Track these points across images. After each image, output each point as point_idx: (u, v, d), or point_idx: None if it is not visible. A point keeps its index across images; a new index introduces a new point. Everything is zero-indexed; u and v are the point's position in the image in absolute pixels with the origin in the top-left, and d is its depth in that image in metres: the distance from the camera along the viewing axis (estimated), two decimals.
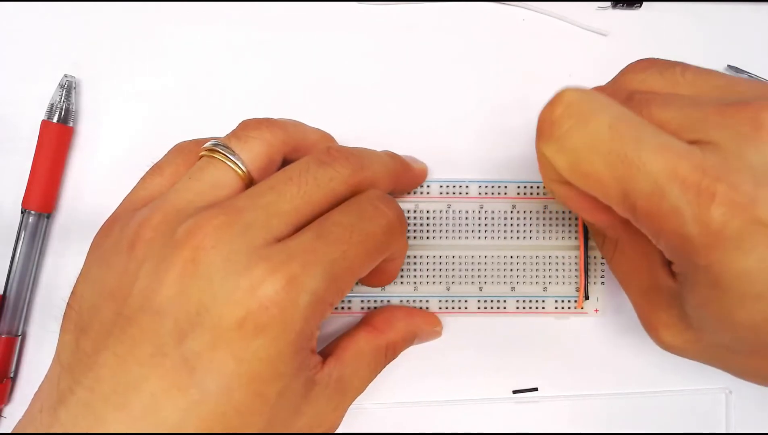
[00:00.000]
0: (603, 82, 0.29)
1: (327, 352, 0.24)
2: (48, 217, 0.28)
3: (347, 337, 0.25)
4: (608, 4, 0.29)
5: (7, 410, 0.28)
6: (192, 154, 0.23)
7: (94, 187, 0.29)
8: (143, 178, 0.24)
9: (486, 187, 0.28)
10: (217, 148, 0.22)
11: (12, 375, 0.28)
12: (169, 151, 0.24)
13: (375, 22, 0.29)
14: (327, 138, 0.27)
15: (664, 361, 0.29)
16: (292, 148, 0.24)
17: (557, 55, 0.29)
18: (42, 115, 0.28)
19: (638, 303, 0.23)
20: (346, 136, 0.28)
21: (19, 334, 0.28)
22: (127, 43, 0.29)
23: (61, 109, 0.28)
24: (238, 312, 0.19)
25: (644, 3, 0.29)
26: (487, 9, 0.29)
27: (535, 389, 0.29)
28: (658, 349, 0.29)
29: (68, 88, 0.28)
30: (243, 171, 0.22)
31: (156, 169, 0.24)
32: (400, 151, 0.28)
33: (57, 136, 0.28)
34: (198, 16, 0.29)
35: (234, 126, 0.29)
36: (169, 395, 0.18)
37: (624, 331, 0.29)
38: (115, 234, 0.21)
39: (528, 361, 0.29)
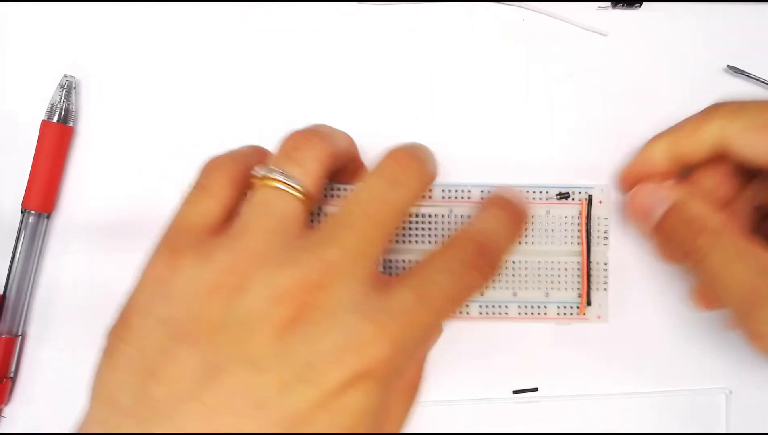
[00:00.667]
0: (603, 82, 0.29)
1: None
2: (48, 217, 0.28)
3: None
4: (608, 4, 0.29)
5: (7, 410, 0.28)
6: (235, 172, 0.23)
7: (94, 187, 0.29)
8: (190, 200, 0.22)
9: (488, 191, 0.28)
10: (274, 175, 0.21)
11: (12, 375, 0.28)
12: (207, 169, 0.23)
13: (375, 22, 0.29)
14: (352, 141, 0.26)
15: (665, 361, 0.29)
16: (336, 159, 0.23)
17: (557, 55, 0.29)
18: (42, 115, 0.28)
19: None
20: None
21: (19, 334, 0.28)
22: (127, 43, 0.29)
23: (61, 109, 0.28)
24: (346, 372, 0.19)
25: (644, 3, 0.29)
26: (487, 9, 0.29)
27: (535, 389, 0.29)
28: (658, 350, 0.29)
29: (68, 88, 0.28)
30: (305, 197, 0.22)
31: (202, 189, 0.23)
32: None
33: (57, 136, 0.28)
34: (198, 17, 0.29)
35: (233, 126, 0.29)
36: None
37: (626, 337, 0.29)
38: (187, 270, 0.20)
39: (528, 361, 0.29)
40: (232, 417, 0.18)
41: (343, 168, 0.25)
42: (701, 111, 0.25)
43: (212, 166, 0.23)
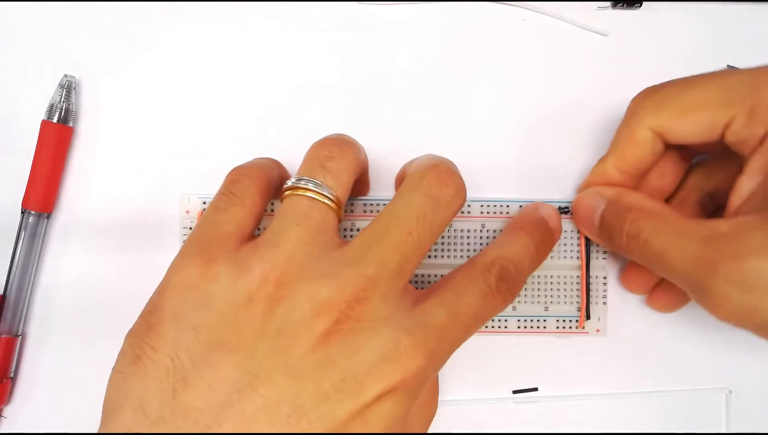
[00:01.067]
0: (603, 83, 0.29)
1: None
2: (48, 217, 0.28)
3: None
4: (608, 4, 0.29)
5: (7, 410, 0.28)
6: (262, 182, 0.23)
7: (94, 187, 0.29)
8: (221, 207, 0.22)
9: (488, 206, 0.28)
10: (309, 185, 0.22)
11: (12, 375, 0.28)
12: (236, 177, 0.23)
13: (375, 22, 0.29)
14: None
15: (664, 361, 0.29)
16: (361, 171, 0.24)
17: (557, 55, 0.29)
18: (42, 115, 0.28)
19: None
20: None
21: (19, 334, 0.28)
22: (127, 43, 0.29)
23: (61, 109, 0.28)
24: (384, 384, 0.19)
25: (644, 3, 0.29)
26: (487, 9, 0.29)
27: (535, 389, 0.29)
28: (658, 351, 0.29)
29: (68, 88, 0.28)
30: (338, 207, 0.22)
31: (233, 197, 0.22)
32: (397, 154, 0.28)
33: (57, 136, 0.28)
34: (198, 17, 0.29)
35: (233, 126, 0.29)
36: None
37: (626, 340, 0.29)
38: (223, 278, 0.20)
39: (528, 361, 0.29)
40: (269, 426, 0.18)
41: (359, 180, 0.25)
42: (628, 112, 0.25)
43: (241, 175, 0.23)
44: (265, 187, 0.23)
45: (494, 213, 0.28)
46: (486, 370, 0.29)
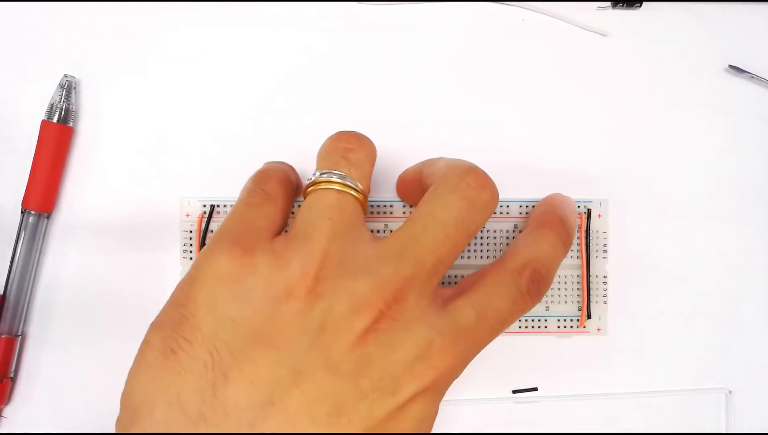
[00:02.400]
0: (603, 82, 0.29)
1: None
2: (48, 217, 0.28)
3: None
4: (608, 4, 0.29)
5: (7, 410, 0.28)
6: (289, 182, 0.24)
7: (94, 187, 0.29)
8: (253, 203, 0.22)
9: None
10: (334, 178, 0.22)
11: (12, 375, 0.28)
12: (266, 176, 0.24)
13: (375, 22, 0.29)
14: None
15: (664, 361, 0.29)
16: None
17: (557, 55, 0.29)
18: (42, 115, 0.28)
19: None
20: None
21: (19, 334, 0.28)
22: (127, 43, 0.29)
23: (61, 109, 0.28)
24: (418, 383, 0.19)
25: (644, 3, 0.29)
26: (487, 9, 0.29)
27: (535, 389, 0.29)
28: (658, 351, 0.29)
29: (68, 88, 0.28)
30: (364, 198, 0.22)
31: (265, 195, 0.23)
32: (396, 154, 0.28)
33: (57, 136, 0.28)
34: (198, 17, 0.29)
35: (233, 126, 0.29)
36: None
37: (626, 340, 0.29)
38: (262, 271, 0.20)
39: (528, 361, 0.29)
40: (311, 424, 0.18)
41: None
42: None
43: (268, 176, 0.23)
44: (291, 188, 0.24)
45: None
46: (486, 370, 0.29)
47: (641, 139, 0.29)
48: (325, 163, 0.23)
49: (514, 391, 0.29)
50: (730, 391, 0.29)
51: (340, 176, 0.22)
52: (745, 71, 0.29)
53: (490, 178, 0.22)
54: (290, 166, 0.26)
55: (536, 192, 0.28)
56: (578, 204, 0.28)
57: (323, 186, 0.22)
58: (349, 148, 0.23)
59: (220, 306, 0.19)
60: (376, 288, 0.20)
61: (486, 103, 0.29)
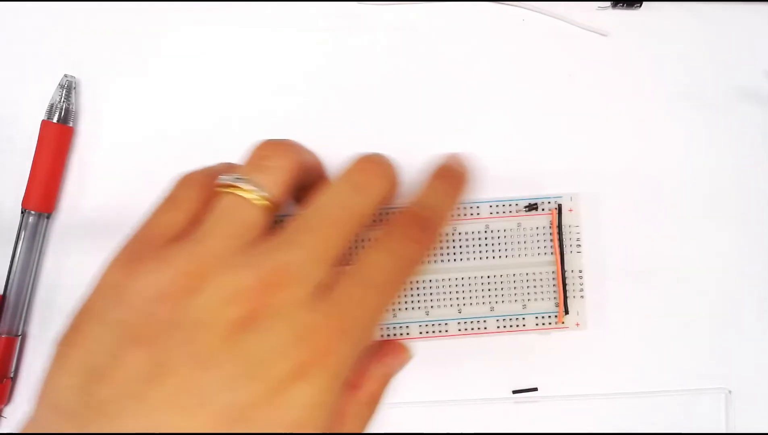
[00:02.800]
0: (603, 82, 0.29)
1: None
2: (48, 217, 0.28)
3: None
4: (608, 4, 0.29)
5: (7, 410, 0.28)
6: (205, 188, 0.23)
7: (94, 187, 0.29)
8: (158, 212, 0.23)
9: (458, 208, 0.28)
10: (240, 183, 0.22)
11: (12, 375, 0.28)
12: (179, 183, 0.23)
13: (375, 22, 0.29)
14: (319, 159, 0.26)
15: (664, 361, 0.29)
16: (302, 171, 0.23)
17: (557, 55, 0.29)
18: (42, 115, 0.28)
19: None
20: (341, 137, 0.29)
21: (19, 334, 0.28)
22: (127, 43, 0.29)
23: (61, 109, 0.28)
24: (290, 364, 0.19)
25: (644, 3, 0.29)
26: (487, 9, 0.29)
27: (535, 389, 0.29)
28: (658, 351, 0.29)
29: (68, 88, 0.28)
30: (269, 205, 0.22)
31: (170, 202, 0.23)
32: (394, 154, 0.28)
33: (57, 136, 0.28)
34: (198, 17, 0.29)
35: (233, 126, 0.29)
36: None
37: (624, 339, 0.29)
38: (144, 276, 0.20)
39: (528, 361, 0.29)
40: (175, 415, 0.18)
41: (310, 186, 0.25)
42: None
43: (184, 181, 0.23)
44: (207, 189, 0.23)
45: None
46: (486, 370, 0.29)
47: (641, 139, 0.29)
48: (239, 169, 0.23)
49: (514, 391, 0.29)
50: (730, 391, 0.29)
51: (244, 181, 0.22)
52: None
53: (380, 162, 0.22)
54: (225, 166, 0.25)
55: (535, 191, 0.28)
56: (548, 200, 0.28)
57: (229, 190, 0.22)
58: (262, 156, 0.23)
59: (103, 312, 0.20)
60: (251, 278, 0.20)
61: (486, 103, 0.29)
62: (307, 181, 0.24)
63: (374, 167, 0.22)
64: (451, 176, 0.25)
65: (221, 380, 0.18)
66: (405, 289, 0.22)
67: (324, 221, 0.21)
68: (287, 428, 0.19)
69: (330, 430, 0.20)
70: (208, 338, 0.19)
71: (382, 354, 0.26)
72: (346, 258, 0.22)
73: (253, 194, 0.22)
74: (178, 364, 0.19)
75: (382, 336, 0.28)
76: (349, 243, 0.21)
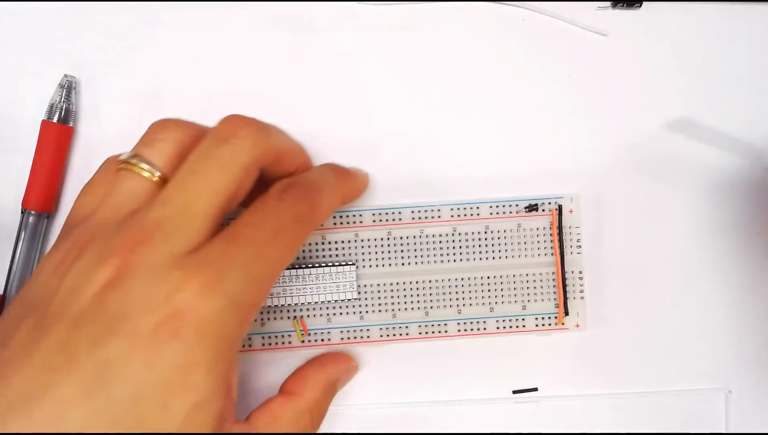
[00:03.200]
0: (603, 82, 0.29)
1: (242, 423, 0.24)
2: (48, 217, 0.28)
3: (260, 406, 0.24)
4: (608, 4, 0.29)
5: None
6: (115, 170, 0.24)
7: None
8: (78, 197, 0.24)
9: (458, 209, 0.28)
10: (128, 159, 0.23)
11: None
12: (98, 169, 0.25)
13: (375, 22, 0.29)
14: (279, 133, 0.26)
15: (664, 361, 0.29)
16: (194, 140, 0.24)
17: (557, 55, 0.29)
18: (42, 115, 0.28)
19: None
20: (340, 136, 0.29)
21: None
22: (128, 43, 0.29)
23: (61, 109, 0.28)
24: (153, 319, 0.19)
25: (644, 3, 0.29)
26: (487, 9, 0.29)
27: (535, 389, 0.29)
28: (658, 351, 0.29)
29: (68, 88, 0.28)
30: (156, 175, 0.22)
31: (86, 189, 0.24)
32: (393, 154, 0.28)
33: (57, 136, 0.28)
34: (198, 17, 0.29)
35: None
36: (75, 402, 0.18)
37: (623, 339, 0.29)
38: (49, 255, 0.22)
39: (528, 361, 0.29)
40: (49, 374, 0.19)
41: (291, 173, 0.25)
42: None
43: (101, 167, 0.25)
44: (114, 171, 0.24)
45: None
46: (486, 370, 0.29)
47: (641, 139, 0.29)
48: (135, 147, 0.24)
49: (514, 391, 0.29)
50: (730, 391, 0.29)
51: (132, 157, 0.23)
52: None
53: (249, 119, 0.23)
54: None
55: (534, 191, 0.29)
56: (549, 200, 0.28)
57: (120, 167, 0.23)
58: (150, 132, 0.24)
59: (23, 293, 0.22)
60: (122, 239, 0.20)
61: (486, 103, 0.29)
62: (284, 168, 0.24)
63: (239, 119, 0.23)
64: (339, 166, 0.27)
65: (89, 338, 0.19)
66: (288, 254, 0.22)
67: (190, 175, 0.21)
68: (156, 388, 0.19)
69: (221, 406, 0.20)
70: (81, 299, 0.19)
71: (322, 362, 0.27)
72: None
73: (139, 166, 0.22)
74: (54, 326, 0.19)
75: (379, 336, 0.28)
76: (227, 196, 0.21)
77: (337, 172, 0.26)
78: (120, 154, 0.23)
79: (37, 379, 0.19)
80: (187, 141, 0.23)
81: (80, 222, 0.23)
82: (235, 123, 0.22)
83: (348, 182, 0.27)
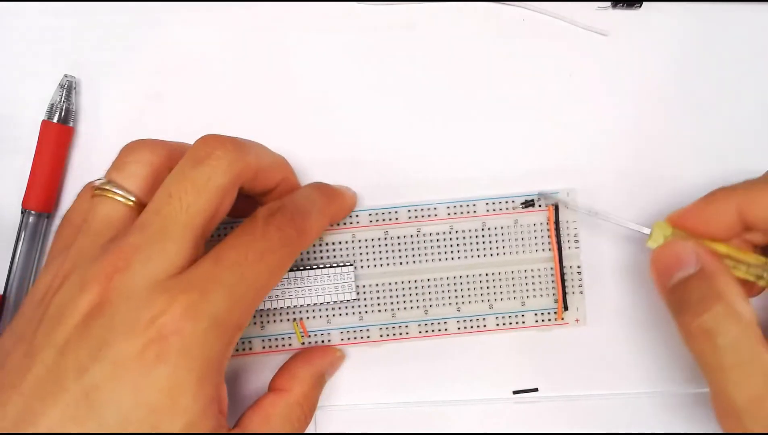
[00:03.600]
0: (603, 83, 0.29)
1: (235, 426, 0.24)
2: (48, 217, 0.28)
3: (252, 407, 0.24)
4: (608, 4, 0.29)
5: None
6: (90, 196, 0.24)
7: None
8: (57, 230, 0.25)
9: (454, 207, 0.28)
10: (102, 184, 0.23)
11: None
12: (76, 197, 0.25)
13: (375, 22, 0.29)
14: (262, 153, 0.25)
15: (664, 361, 0.29)
16: (177, 158, 0.24)
17: (557, 55, 0.29)
18: (42, 115, 0.28)
19: None
20: (340, 136, 0.29)
21: None
22: (128, 43, 0.29)
23: (61, 109, 0.28)
24: (138, 343, 0.19)
25: (644, 3, 0.29)
26: (487, 9, 0.29)
27: (535, 389, 0.29)
28: (658, 351, 0.29)
29: (68, 88, 0.28)
30: (131, 199, 0.23)
31: (64, 218, 0.24)
32: (392, 153, 0.28)
33: (57, 136, 0.28)
34: (198, 17, 0.29)
35: (232, 126, 0.29)
36: (65, 428, 0.19)
37: (623, 338, 0.29)
38: (34, 286, 0.22)
39: (528, 361, 0.29)
40: (39, 402, 0.19)
41: (273, 188, 0.25)
42: None
43: (78, 195, 0.25)
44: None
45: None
46: (486, 370, 0.29)
47: (640, 139, 0.29)
48: (107, 172, 0.24)
49: (514, 392, 0.29)
50: None
51: (105, 183, 0.23)
52: None
53: (220, 137, 0.23)
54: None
55: (534, 186, 0.28)
56: (546, 196, 0.28)
57: (95, 193, 0.23)
58: (120, 156, 0.24)
59: (12, 324, 0.22)
60: (102, 265, 0.20)
61: (486, 103, 0.29)
62: (266, 183, 0.25)
63: (215, 139, 0.23)
64: (326, 186, 0.26)
65: (76, 365, 0.19)
66: (273, 276, 0.22)
67: (166, 198, 0.21)
68: (145, 412, 0.19)
69: (213, 423, 0.20)
70: (66, 328, 0.20)
71: (308, 356, 0.27)
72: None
73: (113, 192, 0.23)
74: (41, 353, 0.20)
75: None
76: (204, 218, 0.21)
77: (324, 192, 0.26)
78: (95, 181, 0.24)
79: (27, 407, 0.19)
80: (158, 161, 0.23)
81: (61, 251, 0.23)
82: (210, 143, 0.22)
83: (335, 203, 0.26)
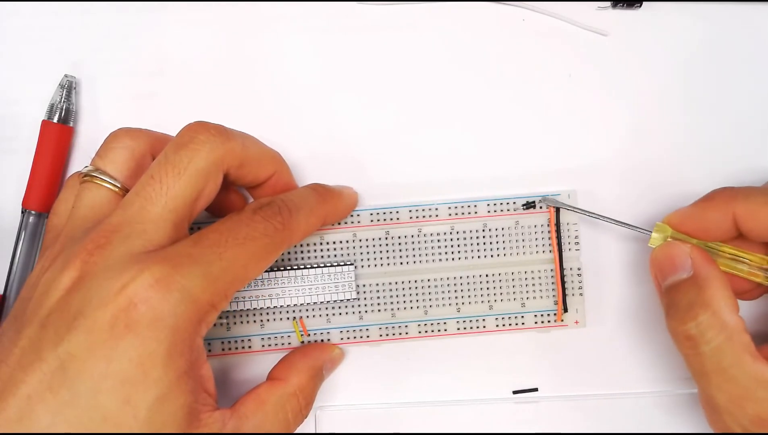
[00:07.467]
0: (603, 82, 0.29)
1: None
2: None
3: (247, 393, 0.24)
4: (608, 4, 0.29)
5: None
6: (78, 184, 0.25)
7: None
8: (47, 221, 0.26)
9: (456, 207, 0.28)
10: (88, 172, 0.24)
11: None
12: (63, 186, 0.26)
13: (375, 22, 0.29)
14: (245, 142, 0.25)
15: (663, 362, 0.29)
16: (160, 146, 0.24)
17: (557, 55, 0.29)
18: (42, 115, 0.28)
19: None
20: (340, 136, 0.29)
21: None
22: (127, 43, 0.29)
23: (61, 109, 0.28)
24: (109, 311, 0.20)
25: (644, 3, 0.29)
26: (487, 9, 0.29)
27: (535, 389, 0.29)
28: (654, 350, 0.29)
29: (68, 88, 0.28)
30: (114, 184, 0.24)
31: (53, 208, 0.26)
32: (392, 154, 0.28)
33: (57, 136, 0.28)
34: (198, 17, 0.29)
35: (233, 126, 0.29)
36: (42, 397, 0.19)
37: (622, 338, 0.29)
38: (31, 275, 0.23)
39: (528, 361, 0.29)
40: (22, 373, 0.19)
41: (264, 181, 0.26)
42: None
43: (65, 184, 0.26)
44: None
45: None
46: (486, 370, 0.29)
47: (640, 139, 0.29)
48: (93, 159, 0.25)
49: (514, 392, 0.29)
50: None
51: (89, 170, 0.24)
52: None
53: (204, 123, 0.23)
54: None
55: (534, 190, 0.28)
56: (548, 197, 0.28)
57: (81, 180, 0.24)
58: (104, 143, 0.25)
59: (13, 307, 0.23)
60: (85, 242, 0.21)
61: (486, 103, 0.29)
62: (255, 175, 0.25)
63: (199, 124, 0.23)
64: (323, 187, 0.27)
65: (54, 335, 0.20)
66: (253, 263, 0.22)
67: (148, 180, 0.22)
68: (115, 382, 0.19)
69: (189, 402, 0.20)
70: (49, 302, 0.21)
71: (307, 350, 0.27)
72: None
73: (99, 178, 0.24)
74: (27, 328, 0.20)
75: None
76: (185, 200, 0.22)
77: (318, 192, 0.26)
78: (82, 169, 0.24)
79: (11, 377, 0.20)
80: (141, 148, 0.25)
81: (52, 240, 0.24)
82: (194, 128, 0.23)
83: (329, 203, 0.26)
